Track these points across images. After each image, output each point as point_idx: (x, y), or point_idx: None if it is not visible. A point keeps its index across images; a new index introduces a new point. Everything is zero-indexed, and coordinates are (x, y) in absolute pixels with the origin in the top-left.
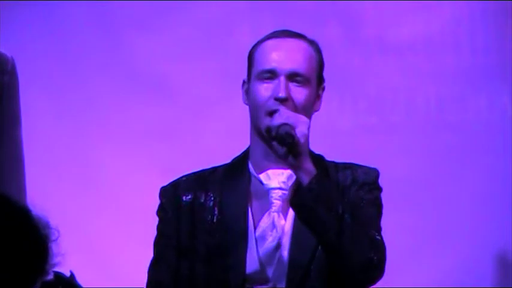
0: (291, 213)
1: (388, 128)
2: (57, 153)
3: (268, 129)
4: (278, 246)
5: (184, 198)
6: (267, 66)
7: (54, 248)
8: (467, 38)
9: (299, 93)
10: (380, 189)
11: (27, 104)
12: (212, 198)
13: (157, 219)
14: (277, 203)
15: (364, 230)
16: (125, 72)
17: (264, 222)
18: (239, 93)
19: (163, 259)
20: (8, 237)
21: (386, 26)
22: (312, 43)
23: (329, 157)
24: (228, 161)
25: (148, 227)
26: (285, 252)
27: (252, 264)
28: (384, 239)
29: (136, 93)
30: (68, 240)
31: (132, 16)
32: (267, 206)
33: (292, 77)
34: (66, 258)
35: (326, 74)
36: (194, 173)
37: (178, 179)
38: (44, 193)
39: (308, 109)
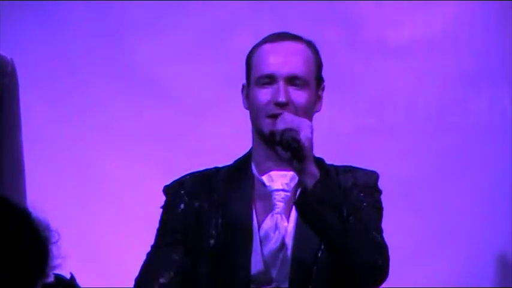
0: (293, 214)
1: (389, 130)
2: (58, 156)
3: (272, 134)
4: (281, 247)
5: (189, 196)
6: (265, 71)
7: (54, 250)
8: (467, 40)
9: (299, 97)
10: (380, 192)
11: (27, 106)
12: (216, 198)
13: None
14: (280, 205)
15: (368, 232)
16: (126, 75)
17: (267, 224)
18: (240, 95)
19: (168, 250)
20: (8, 240)
21: (387, 27)
22: (309, 44)
23: (330, 159)
24: (230, 162)
25: (148, 228)
26: (288, 254)
27: (256, 264)
28: (386, 240)
29: (137, 95)
30: (68, 242)
31: (133, 19)
32: (270, 207)
33: (291, 80)
34: (67, 260)
35: (327, 76)
36: (199, 172)
37: (182, 177)
38: (44, 195)
39: (309, 111)
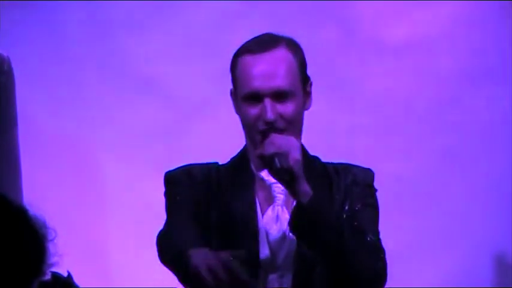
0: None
1: (386, 129)
2: (54, 154)
3: (261, 157)
4: (283, 238)
5: (193, 181)
6: (249, 89)
7: (51, 248)
8: (465, 38)
9: (287, 109)
10: (375, 190)
11: (24, 104)
12: (219, 188)
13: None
14: (280, 197)
15: (365, 238)
16: (121, 74)
17: (268, 215)
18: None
19: (186, 223)
20: (4, 237)
21: (384, 26)
22: (289, 44)
23: (327, 157)
24: (226, 161)
25: (144, 227)
26: (292, 244)
27: (263, 250)
28: (382, 240)
29: (133, 94)
30: (65, 240)
31: (127, 18)
32: (271, 198)
33: (276, 96)
34: (64, 259)
35: (324, 74)
36: (199, 163)
37: (186, 166)
38: (40, 193)
39: (299, 117)
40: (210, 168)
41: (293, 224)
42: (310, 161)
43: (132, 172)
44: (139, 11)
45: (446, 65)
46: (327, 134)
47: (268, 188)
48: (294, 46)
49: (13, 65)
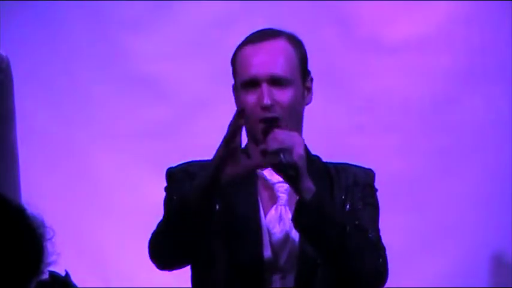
0: None
1: (383, 128)
2: (52, 152)
3: (265, 154)
4: (287, 238)
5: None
6: (248, 76)
7: (49, 247)
8: (462, 38)
9: (284, 96)
10: (376, 190)
11: (22, 103)
12: (223, 189)
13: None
14: (283, 197)
15: (366, 236)
16: (120, 72)
17: (272, 215)
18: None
19: None
20: (2, 236)
21: (382, 25)
22: (290, 38)
23: (324, 156)
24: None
25: (143, 226)
26: (295, 245)
27: (266, 251)
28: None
29: (131, 92)
30: (63, 239)
31: (126, 16)
32: (274, 198)
33: (273, 81)
34: (62, 258)
35: (321, 73)
36: (200, 161)
37: (186, 163)
38: (38, 192)
39: (297, 107)
40: (208, 165)
41: (296, 220)
42: (311, 160)
43: (131, 171)
44: (139, 9)
45: (444, 64)
46: (324, 132)
47: (270, 187)
48: (294, 40)
49: (11, 63)
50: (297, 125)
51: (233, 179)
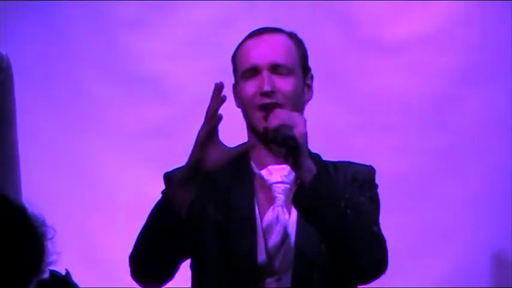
0: None
1: (383, 127)
2: (53, 152)
3: (266, 131)
4: (283, 239)
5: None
6: (248, 64)
7: (50, 246)
8: (463, 37)
9: (284, 84)
10: (377, 186)
11: (23, 102)
12: (219, 189)
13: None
14: (280, 197)
15: (366, 225)
16: (121, 72)
17: (269, 216)
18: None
19: None
20: (4, 236)
21: (383, 25)
22: (291, 35)
23: (324, 155)
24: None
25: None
26: (291, 246)
27: (260, 255)
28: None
29: (132, 91)
30: (64, 238)
31: (128, 16)
32: (271, 199)
33: (274, 69)
34: (63, 257)
35: (322, 72)
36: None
37: (182, 167)
38: (39, 191)
39: (297, 98)
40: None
41: (296, 199)
42: (311, 158)
43: (132, 170)
44: (141, 9)
45: (444, 64)
46: (325, 132)
47: (268, 187)
48: (295, 38)
49: (12, 63)
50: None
51: (217, 166)
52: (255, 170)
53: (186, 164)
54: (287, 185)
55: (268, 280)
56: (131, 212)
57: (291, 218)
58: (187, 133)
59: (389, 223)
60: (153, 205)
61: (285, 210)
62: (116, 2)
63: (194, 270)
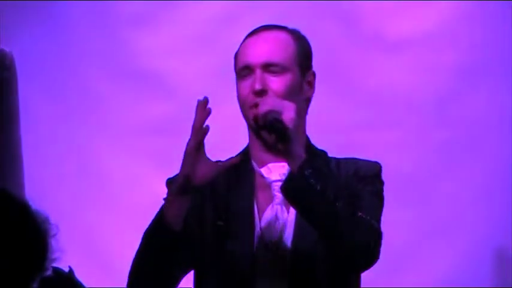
0: None
1: (386, 124)
2: (56, 149)
3: (256, 119)
4: (282, 238)
5: None
6: (242, 63)
7: (53, 243)
8: (466, 34)
9: (277, 83)
10: (382, 183)
11: (26, 100)
12: (218, 191)
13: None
14: (279, 196)
15: (359, 215)
16: (124, 69)
17: (268, 215)
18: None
19: None
20: (7, 232)
21: (386, 22)
22: (293, 33)
23: (328, 152)
24: (231, 156)
25: (146, 222)
26: (289, 245)
27: (258, 254)
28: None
29: (135, 88)
30: (67, 235)
31: (130, 12)
32: (271, 198)
33: (267, 68)
34: (66, 255)
35: (326, 69)
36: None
37: None
38: (43, 188)
39: (292, 97)
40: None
41: (283, 186)
42: (315, 154)
43: (135, 167)
44: (143, 5)
45: (447, 61)
46: (329, 129)
47: (268, 186)
48: (297, 34)
49: (16, 60)
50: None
51: (206, 180)
52: (256, 167)
53: (177, 179)
54: None
55: (267, 279)
56: (134, 208)
57: (289, 216)
58: (190, 130)
59: (390, 220)
60: (151, 204)
61: (284, 208)
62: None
63: (195, 270)
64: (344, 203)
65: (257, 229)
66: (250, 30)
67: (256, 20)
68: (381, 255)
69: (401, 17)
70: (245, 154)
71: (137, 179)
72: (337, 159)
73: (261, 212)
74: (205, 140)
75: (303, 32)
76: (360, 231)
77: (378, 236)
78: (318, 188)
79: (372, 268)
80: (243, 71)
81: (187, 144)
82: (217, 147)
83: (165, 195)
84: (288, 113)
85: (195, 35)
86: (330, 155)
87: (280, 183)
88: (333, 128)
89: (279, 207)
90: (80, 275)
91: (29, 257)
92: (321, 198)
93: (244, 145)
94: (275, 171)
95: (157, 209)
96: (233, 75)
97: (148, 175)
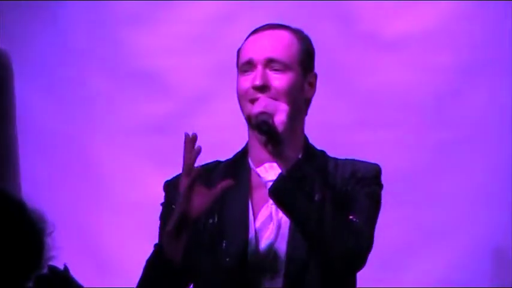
0: None
1: (384, 123)
2: (53, 147)
3: (249, 118)
4: (276, 238)
5: None
6: (245, 58)
7: (49, 241)
8: (464, 33)
9: (278, 80)
10: (380, 186)
11: (25, 99)
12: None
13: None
14: None
15: (350, 218)
16: (123, 68)
17: (263, 215)
18: (235, 88)
19: None
20: (3, 231)
21: (383, 21)
22: (296, 32)
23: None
24: (229, 156)
25: (144, 221)
26: (283, 245)
27: (252, 254)
28: (378, 235)
29: (133, 87)
30: (63, 234)
31: (128, 11)
32: (266, 197)
33: (269, 64)
34: (61, 251)
35: (323, 69)
36: (200, 166)
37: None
38: (39, 187)
39: (291, 95)
40: (207, 170)
41: (272, 188)
42: (314, 155)
43: (131, 166)
44: (141, 5)
45: (445, 60)
46: (326, 128)
47: (264, 185)
48: (300, 34)
49: (15, 60)
50: (294, 114)
51: (202, 210)
52: (253, 167)
53: (174, 216)
54: None
55: (261, 279)
56: (132, 207)
57: (284, 217)
58: (189, 129)
59: (388, 220)
60: (150, 203)
61: (278, 208)
62: None
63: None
64: (333, 207)
65: (251, 229)
66: (249, 29)
67: (255, 19)
68: (381, 255)
69: (400, 16)
70: (242, 154)
71: (136, 177)
72: (336, 159)
73: (256, 212)
74: (205, 140)
75: None
76: (345, 237)
77: (365, 241)
78: (305, 191)
79: (372, 268)
80: (245, 66)
81: (180, 185)
82: (216, 146)
83: (162, 200)
84: (280, 115)
85: (193, 34)
86: (330, 155)
87: None
88: (331, 127)
89: (273, 207)
90: (77, 274)
91: (24, 255)
92: (307, 202)
93: (243, 144)
94: (271, 171)
95: (157, 209)
96: (233, 74)
97: (147, 174)
